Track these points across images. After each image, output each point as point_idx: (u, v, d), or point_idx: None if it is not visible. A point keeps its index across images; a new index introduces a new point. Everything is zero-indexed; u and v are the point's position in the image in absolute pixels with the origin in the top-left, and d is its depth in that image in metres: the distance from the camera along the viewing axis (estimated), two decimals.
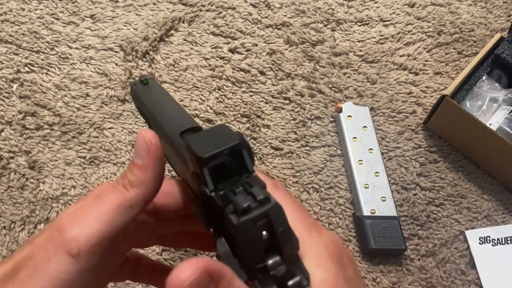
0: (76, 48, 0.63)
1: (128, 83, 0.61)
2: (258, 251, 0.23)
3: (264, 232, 0.23)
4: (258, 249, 0.23)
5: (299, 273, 0.23)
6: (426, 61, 0.66)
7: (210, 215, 0.27)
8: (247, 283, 0.23)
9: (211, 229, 0.27)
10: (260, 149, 0.59)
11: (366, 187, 0.55)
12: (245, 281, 0.23)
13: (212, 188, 0.24)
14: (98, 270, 0.26)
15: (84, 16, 0.65)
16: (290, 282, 0.22)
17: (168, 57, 0.63)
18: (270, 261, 0.23)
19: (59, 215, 0.27)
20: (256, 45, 0.65)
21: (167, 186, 0.31)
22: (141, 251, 0.52)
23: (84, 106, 0.59)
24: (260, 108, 0.61)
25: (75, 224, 0.25)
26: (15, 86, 0.60)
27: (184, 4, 0.67)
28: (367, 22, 0.68)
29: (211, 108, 0.60)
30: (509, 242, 0.54)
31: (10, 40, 0.63)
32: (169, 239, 0.36)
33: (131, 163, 0.28)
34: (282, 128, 0.60)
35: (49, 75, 0.61)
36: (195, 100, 0.61)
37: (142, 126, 0.59)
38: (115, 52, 0.63)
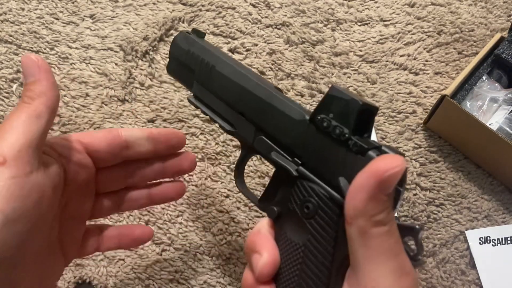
0: (76, 48, 0.63)
1: (128, 83, 0.61)
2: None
3: None
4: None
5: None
6: (426, 61, 0.66)
7: (309, 159, 0.30)
8: None
9: (297, 175, 0.31)
10: None
11: None
12: None
13: (354, 132, 0.28)
14: (33, 178, 0.28)
15: (84, 16, 0.65)
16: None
17: (168, 57, 0.63)
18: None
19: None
20: (256, 45, 0.65)
21: (94, 132, 0.36)
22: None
23: (84, 106, 0.59)
24: None
25: (1, 137, 0.28)
26: (15, 86, 0.60)
27: (184, 4, 0.67)
28: (367, 22, 0.68)
29: None
30: (509, 242, 0.54)
31: (10, 40, 0.63)
32: (124, 201, 0.38)
33: (25, 84, 0.31)
34: None
35: None
36: None
37: (142, 126, 0.59)
38: (115, 52, 0.63)
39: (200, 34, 0.39)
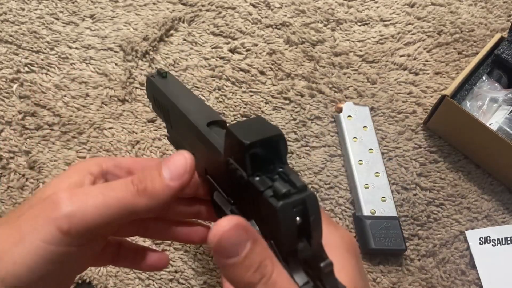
0: (76, 48, 0.63)
1: (128, 83, 0.61)
2: (292, 235, 0.24)
3: (298, 218, 0.24)
4: (292, 232, 0.24)
5: (326, 258, 0.25)
6: (426, 61, 0.66)
7: (235, 201, 0.29)
8: None
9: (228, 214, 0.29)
10: None
11: (366, 187, 0.55)
12: None
13: (251, 173, 0.26)
14: (82, 250, 0.27)
15: (84, 16, 0.65)
16: (322, 264, 0.24)
17: (168, 57, 0.63)
18: (300, 245, 0.25)
19: (56, 185, 0.28)
20: (256, 45, 0.65)
21: (146, 161, 0.32)
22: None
23: (84, 106, 0.59)
24: (260, 108, 0.61)
25: (73, 202, 0.25)
26: (15, 86, 0.60)
27: (184, 4, 0.67)
28: (367, 22, 0.68)
29: (211, 108, 0.60)
30: (509, 242, 0.54)
31: (10, 40, 0.63)
32: (150, 228, 0.36)
33: (158, 172, 0.27)
34: (282, 128, 0.60)
35: (49, 75, 0.61)
36: None
37: (142, 126, 0.59)
38: (115, 52, 0.63)
39: (163, 74, 0.39)
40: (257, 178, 0.26)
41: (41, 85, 0.60)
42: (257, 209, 0.26)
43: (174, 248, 0.52)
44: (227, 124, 0.28)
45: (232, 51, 0.65)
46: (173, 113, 0.35)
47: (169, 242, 0.52)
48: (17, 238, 0.25)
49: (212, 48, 0.65)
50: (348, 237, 0.29)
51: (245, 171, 0.26)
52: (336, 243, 0.27)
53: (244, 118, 0.60)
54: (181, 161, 0.27)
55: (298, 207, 0.24)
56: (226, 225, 0.22)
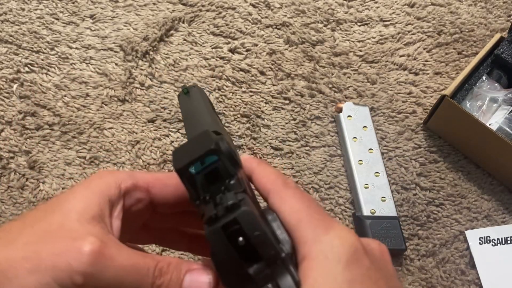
0: (76, 48, 0.63)
1: (128, 83, 0.61)
2: (233, 258, 0.22)
3: (240, 238, 0.22)
4: (233, 256, 0.22)
5: (282, 277, 0.22)
6: (426, 61, 0.66)
7: None
8: None
9: None
10: (260, 149, 0.59)
11: (366, 187, 0.55)
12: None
13: (193, 197, 0.24)
14: None
15: (84, 16, 0.65)
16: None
17: (168, 57, 0.63)
18: (251, 268, 0.22)
19: (74, 212, 0.26)
20: (256, 45, 0.65)
21: (167, 178, 0.30)
22: None
23: (84, 106, 0.59)
24: (260, 108, 0.61)
25: (97, 263, 0.24)
26: (15, 86, 0.60)
27: (184, 4, 0.67)
28: (367, 22, 0.68)
29: None
30: (509, 242, 0.54)
31: (10, 40, 0.63)
32: (166, 239, 0.35)
33: (181, 281, 0.26)
34: (282, 128, 0.60)
35: (49, 75, 0.61)
36: None
37: (142, 126, 0.59)
38: (115, 52, 0.63)
39: (184, 91, 0.36)
40: (197, 202, 0.24)
41: (41, 85, 0.60)
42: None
43: (173, 249, 0.52)
44: (177, 146, 0.26)
45: (232, 51, 0.65)
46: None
47: None
48: (33, 266, 0.24)
49: (212, 48, 0.65)
50: (341, 238, 0.24)
51: (189, 195, 0.24)
52: (318, 253, 0.23)
53: (244, 118, 0.60)
54: (204, 286, 0.25)
55: (234, 228, 0.22)
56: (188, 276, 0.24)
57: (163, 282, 0.25)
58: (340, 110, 0.60)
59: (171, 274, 0.25)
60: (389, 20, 0.69)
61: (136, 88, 0.61)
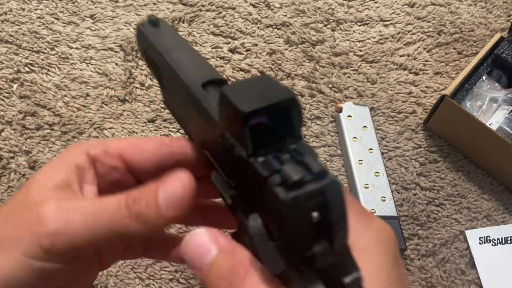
0: (76, 48, 0.63)
1: (128, 83, 0.61)
2: (306, 236, 0.18)
3: (315, 214, 0.18)
4: (306, 233, 0.18)
5: (353, 268, 0.19)
6: (426, 61, 0.66)
7: (236, 185, 0.23)
8: (280, 276, 0.20)
9: (232, 204, 0.24)
10: None
11: (366, 187, 0.55)
12: (278, 272, 0.20)
13: (252, 152, 0.20)
14: (73, 266, 0.25)
15: (84, 16, 0.65)
16: (347, 279, 0.18)
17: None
18: (318, 249, 0.18)
19: (42, 186, 0.25)
20: (256, 45, 0.65)
21: (143, 143, 0.28)
22: None
23: (84, 106, 0.59)
24: None
25: (59, 219, 0.24)
26: (15, 86, 0.60)
27: (184, 4, 0.67)
28: (367, 22, 0.68)
29: None
30: (509, 242, 0.55)
31: (10, 40, 0.63)
32: (153, 251, 0.33)
33: (155, 199, 0.24)
34: None
35: (49, 75, 0.61)
36: None
37: (142, 126, 0.59)
38: (115, 52, 0.63)
39: (154, 23, 0.31)
40: (261, 159, 0.20)
41: (41, 85, 0.60)
42: (261, 198, 0.20)
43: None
44: (225, 86, 0.21)
45: (232, 51, 0.65)
46: (164, 70, 0.29)
47: None
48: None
49: (212, 48, 0.65)
50: (385, 232, 0.23)
51: (245, 149, 0.20)
52: (368, 243, 0.22)
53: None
54: (178, 188, 0.24)
55: (314, 200, 0.18)
56: (192, 234, 0.22)
57: (140, 208, 0.24)
58: (340, 110, 0.60)
59: (145, 198, 0.24)
60: (389, 20, 0.69)
61: (136, 88, 0.61)
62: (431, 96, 0.63)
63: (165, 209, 0.23)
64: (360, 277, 0.19)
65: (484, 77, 0.59)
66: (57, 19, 0.65)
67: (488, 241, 0.54)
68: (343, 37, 0.67)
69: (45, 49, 0.63)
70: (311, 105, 0.61)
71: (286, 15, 0.68)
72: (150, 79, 0.62)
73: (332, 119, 0.61)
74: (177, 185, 0.24)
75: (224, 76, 0.62)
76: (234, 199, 0.24)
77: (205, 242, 0.22)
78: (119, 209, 0.24)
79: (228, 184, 0.24)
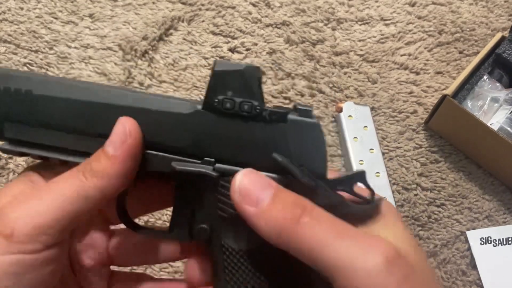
0: (75, 47, 0.63)
1: (127, 82, 0.61)
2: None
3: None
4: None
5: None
6: (427, 60, 0.65)
7: (224, 150, 0.26)
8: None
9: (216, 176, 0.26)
10: None
11: None
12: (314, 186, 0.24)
13: (262, 100, 0.25)
14: (45, 256, 0.23)
15: (83, 15, 0.65)
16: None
17: (168, 57, 0.63)
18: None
19: (4, 191, 0.25)
20: (256, 44, 0.65)
21: None
22: None
23: None
24: None
25: (14, 205, 0.23)
26: None
27: (183, 3, 0.67)
28: (368, 21, 0.68)
29: None
30: (510, 242, 0.54)
31: (9, 40, 0.62)
32: (156, 203, 0.32)
33: (101, 150, 0.24)
34: None
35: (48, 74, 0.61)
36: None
37: None
38: (114, 51, 0.63)
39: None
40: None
41: None
42: (277, 139, 0.25)
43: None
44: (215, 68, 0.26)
45: (232, 50, 0.64)
46: (38, 93, 0.25)
47: None
48: None
49: (211, 48, 0.64)
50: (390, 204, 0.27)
51: (257, 99, 0.25)
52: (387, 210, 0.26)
53: None
54: (119, 127, 0.24)
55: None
56: (244, 171, 0.23)
57: (91, 165, 0.24)
58: (340, 110, 0.60)
59: (93, 156, 0.25)
60: (390, 19, 0.68)
61: (135, 87, 0.61)
62: (432, 96, 0.63)
63: (113, 151, 0.24)
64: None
65: (485, 77, 0.59)
66: (56, 18, 0.64)
67: (489, 242, 0.54)
68: (344, 36, 0.67)
69: (43, 48, 0.62)
70: (312, 104, 0.61)
71: (286, 14, 0.67)
72: (149, 78, 0.61)
73: (333, 119, 0.61)
74: (117, 125, 0.24)
75: None
76: (218, 169, 0.26)
77: (263, 177, 0.23)
78: (71, 175, 0.24)
79: (204, 163, 0.26)
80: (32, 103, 0.26)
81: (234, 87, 0.25)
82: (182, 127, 0.26)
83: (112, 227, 0.31)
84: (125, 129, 0.24)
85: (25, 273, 0.23)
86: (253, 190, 0.23)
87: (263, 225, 0.22)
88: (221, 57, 0.64)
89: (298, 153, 0.25)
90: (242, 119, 0.25)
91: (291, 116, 0.25)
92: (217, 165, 0.26)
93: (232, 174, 0.24)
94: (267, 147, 0.25)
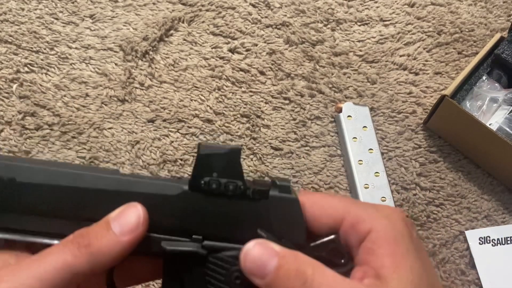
0: (76, 48, 0.63)
1: (127, 83, 0.61)
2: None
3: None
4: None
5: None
6: (426, 61, 0.65)
7: (212, 229, 0.27)
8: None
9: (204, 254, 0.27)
10: (260, 149, 0.59)
11: (366, 187, 0.55)
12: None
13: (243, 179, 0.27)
14: None
15: (84, 16, 0.65)
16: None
17: (168, 57, 0.63)
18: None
19: None
20: (256, 45, 0.65)
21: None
22: None
23: (83, 106, 0.59)
24: (260, 108, 0.61)
25: (2, 279, 0.22)
26: (14, 86, 0.60)
27: (183, 4, 0.67)
28: (367, 22, 0.68)
29: (211, 108, 0.60)
30: (509, 242, 0.54)
31: (10, 40, 0.62)
32: (137, 275, 0.31)
33: (105, 228, 0.23)
34: (282, 128, 0.60)
35: (49, 75, 0.61)
36: (194, 100, 0.61)
37: (142, 126, 0.59)
38: (115, 52, 0.63)
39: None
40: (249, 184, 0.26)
41: (41, 85, 0.60)
42: (261, 216, 0.26)
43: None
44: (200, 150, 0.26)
45: (232, 51, 0.65)
46: (22, 180, 0.25)
47: None
48: None
49: (212, 48, 0.65)
50: (393, 216, 0.25)
51: (240, 179, 0.26)
52: (380, 233, 0.24)
53: (244, 118, 0.60)
54: (133, 213, 0.24)
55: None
56: (246, 249, 0.24)
57: (89, 241, 0.23)
58: (340, 110, 0.60)
59: (93, 230, 0.24)
60: (389, 20, 0.68)
61: (136, 88, 0.61)
62: (431, 96, 0.63)
63: (120, 235, 0.23)
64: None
65: (484, 77, 0.59)
66: (56, 19, 0.65)
67: (488, 242, 0.54)
68: (343, 37, 0.67)
69: (44, 49, 0.62)
70: (311, 105, 0.61)
71: (286, 15, 0.67)
72: (149, 79, 0.62)
73: (332, 119, 0.61)
74: (132, 211, 0.24)
75: (224, 76, 0.62)
76: (206, 247, 0.26)
77: (263, 253, 0.24)
78: (65, 246, 0.23)
79: (193, 241, 0.27)
80: (16, 191, 0.25)
81: (218, 168, 0.26)
82: (170, 208, 0.26)
83: None
84: (139, 218, 0.24)
85: None
86: (256, 269, 0.24)
87: None
88: (221, 58, 0.64)
89: (279, 227, 0.26)
90: (227, 198, 0.26)
91: (272, 193, 0.26)
92: (205, 242, 0.27)
93: (220, 250, 0.26)
94: (251, 223, 0.26)
